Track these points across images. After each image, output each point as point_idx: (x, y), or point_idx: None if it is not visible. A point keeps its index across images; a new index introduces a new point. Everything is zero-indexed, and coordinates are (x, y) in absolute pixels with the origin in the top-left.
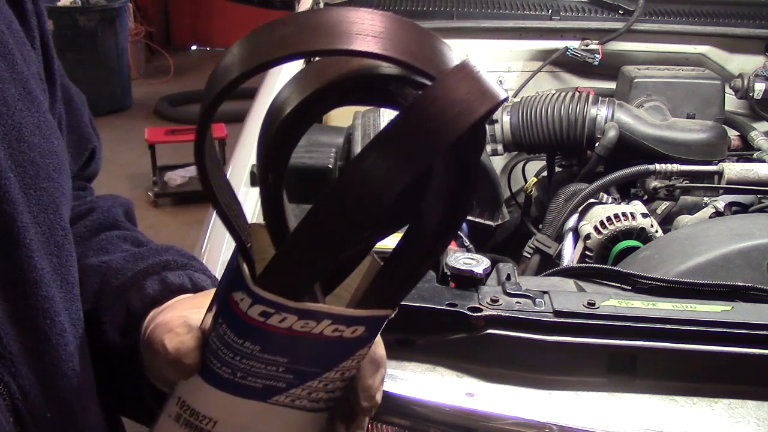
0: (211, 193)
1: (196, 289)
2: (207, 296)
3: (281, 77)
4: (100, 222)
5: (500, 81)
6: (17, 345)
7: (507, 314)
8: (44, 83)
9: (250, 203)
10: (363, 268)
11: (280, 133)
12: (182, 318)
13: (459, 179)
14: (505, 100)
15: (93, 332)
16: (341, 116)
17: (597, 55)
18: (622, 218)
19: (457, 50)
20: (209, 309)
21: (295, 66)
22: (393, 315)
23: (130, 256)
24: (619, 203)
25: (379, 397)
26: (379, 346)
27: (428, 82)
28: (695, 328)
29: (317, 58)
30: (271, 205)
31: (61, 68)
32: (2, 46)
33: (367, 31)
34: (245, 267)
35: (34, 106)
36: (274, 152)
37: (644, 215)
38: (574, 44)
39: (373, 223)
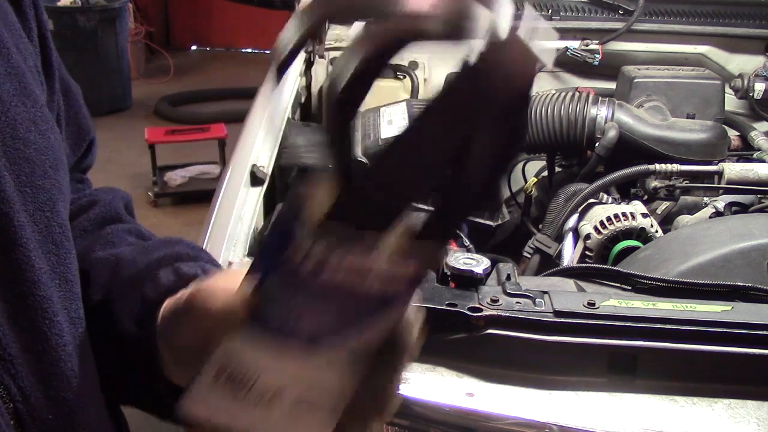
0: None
1: None
2: (226, 274)
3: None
4: (103, 215)
5: None
6: (17, 346)
7: (507, 314)
8: (41, 76)
9: (250, 203)
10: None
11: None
12: (225, 278)
13: (508, 138)
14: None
15: (105, 323)
16: None
17: (597, 55)
18: (622, 218)
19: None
20: (251, 270)
21: (296, 66)
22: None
23: (141, 248)
24: (619, 203)
25: (416, 349)
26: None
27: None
28: (695, 328)
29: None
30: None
31: (59, 60)
32: None
33: None
34: (306, 209)
35: (30, 101)
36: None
37: (644, 215)
38: (574, 44)
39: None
